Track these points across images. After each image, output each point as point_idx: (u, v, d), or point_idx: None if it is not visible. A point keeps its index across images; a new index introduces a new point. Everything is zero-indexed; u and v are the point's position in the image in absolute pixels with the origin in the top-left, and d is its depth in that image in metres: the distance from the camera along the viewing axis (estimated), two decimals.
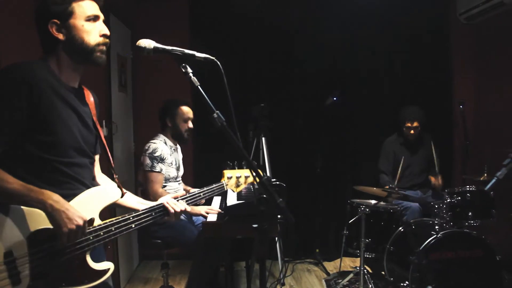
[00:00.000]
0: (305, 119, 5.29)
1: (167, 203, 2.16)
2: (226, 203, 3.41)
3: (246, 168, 2.69)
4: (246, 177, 2.73)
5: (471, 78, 5.61)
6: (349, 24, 5.20)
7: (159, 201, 2.18)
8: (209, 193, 2.48)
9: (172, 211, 2.16)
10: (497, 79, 5.20)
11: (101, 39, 1.89)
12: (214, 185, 2.56)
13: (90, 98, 2.04)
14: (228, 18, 5.16)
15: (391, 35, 5.32)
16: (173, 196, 2.26)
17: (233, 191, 2.71)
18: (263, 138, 4.46)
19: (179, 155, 3.93)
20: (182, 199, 2.25)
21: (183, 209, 2.20)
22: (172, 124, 3.76)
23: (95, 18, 1.89)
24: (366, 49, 5.30)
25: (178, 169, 3.81)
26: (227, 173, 2.67)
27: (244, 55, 5.18)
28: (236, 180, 2.69)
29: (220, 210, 3.47)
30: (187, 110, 3.77)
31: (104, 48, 1.91)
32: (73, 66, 1.90)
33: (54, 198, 1.70)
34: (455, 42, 5.59)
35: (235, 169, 2.77)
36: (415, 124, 4.78)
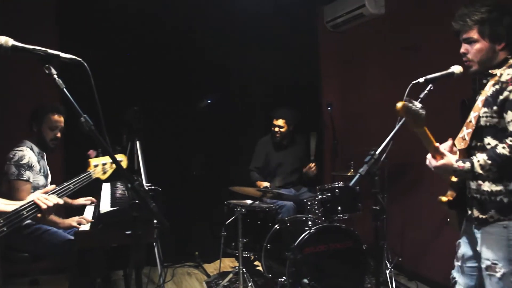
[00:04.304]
0: (180, 122, 5.25)
1: (38, 199, 2.01)
2: (99, 211, 3.27)
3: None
4: (111, 163, 2.76)
5: (337, 81, 6.00)
6: (223, 28, 5.26)
7: (29, 198, 2.03)
8: (78, 183, 2.41)
9: (45, 206, 2.00)
10: (358, 82, 5.61)
11: None
12: (81, 175, 2.50)
13: None
14: (100, 18, 4.90)
15: (265, 40, 5.46)
16: (43, 191, 2.12)
17: (101, 178, 2.70)
18: (138, 142, 4.34)
19: (46, 162, 3.70)
20: (52, 193, 2.11)
21: (55, 202, 2.06)
22: (37, 130, 3.52)
23: None
24: (241, 53, 5.40)
25: (46, 176, 3.59)
26: (93, 161, 2.68)
27: (118, 57, 4.99)
28: (102, 167, 2.71)
29: (91, 220, 3.32)
30: (56, 119, 3.53)
31: None
32: None
33: None
34: (323, 47, 5.95)
35: (99, 156, 2.81)
36: (280, 122, 4.99)
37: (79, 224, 3.33)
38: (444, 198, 2.37)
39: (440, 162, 2.13)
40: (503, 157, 2.00)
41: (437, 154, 2.15)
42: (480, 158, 2.06)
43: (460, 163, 2.09)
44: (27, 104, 4.55)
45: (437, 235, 4.22)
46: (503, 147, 2.01)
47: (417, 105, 2.03)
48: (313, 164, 4.99)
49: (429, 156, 2.21)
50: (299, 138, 5.26)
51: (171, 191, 4.89)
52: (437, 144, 2.15)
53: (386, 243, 4.42)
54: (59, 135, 3.58)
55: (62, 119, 3.58)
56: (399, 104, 2.00)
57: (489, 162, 2.03)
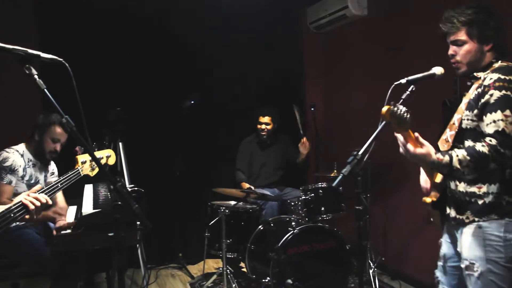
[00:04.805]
0: (163, 122, 5.22)
1: (25, 199, 1.93)
2: (81, 213, 3.23)
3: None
4: (100, 159, 2.72)
5: (320, 82, 6.02)
6: (207, 29, 5.24)
7: (16, 200, 1.94)
8: (67, 181, 2.34)
9: (33, 207, 1.90)
10: (341, 83, 5.64)
11: None
12: (70, 172, 2.43)
13: None
14: (81, 17, 4.83)
15: (249, 40, 5.47)
16: (30, 191, 2.03)
17: (90, 175, 2.63)
18: (120, 143, 4.31)
19: (44, 173, 3.60)
20: (40, 192, 2.05)
21: (44, 202, 1.97)
22: (38, 139, 3.43)
23: None
24: (225, 54, 5.39)
25: (31, 186, 3.49)
26: (81, 158, 2.60)
27: (100, 57, 4.92)
28: (90, 163, 2.63)
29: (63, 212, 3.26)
30: (60, 131, 3.44)
31: None
32: None
33: None
34: (306, 48, 5.97)
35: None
36: (267, 119, 5.01)
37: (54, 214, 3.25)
38: (428, 199, 2.39)
39: (420, 150, 2.09)
40: (482, 154, 2.02)
41: (418, 143, 2.13)
42: (459, 153, 2.07)
43: (439, 155, 2.09)
44: (19, 105, 4.51)
45: (420, 234, 4.26)
46: (483, 145, 2.03)
47: (402, 108, 2.05)
48: (305, 138, 4.99)
49: (404, 142, 2.13)
50: (282, 137, 5.28)
51: (154, 192, 4.89)
52: (417, 134, 2.13)
53: (369, 243, 4.45)
54: (58, 148, 3.49)
55: (66, 134, 3.48)
56: (384, 109, 2.01)
57: (468, 158, 2.04)
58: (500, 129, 2.02)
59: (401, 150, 2.17)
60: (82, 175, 2.55)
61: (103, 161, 2.81)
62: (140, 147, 5.01)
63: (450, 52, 2.28)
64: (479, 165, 2.05)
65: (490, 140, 2.03)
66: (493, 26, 2.20)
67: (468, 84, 2.30)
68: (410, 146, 2.12)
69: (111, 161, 2.85)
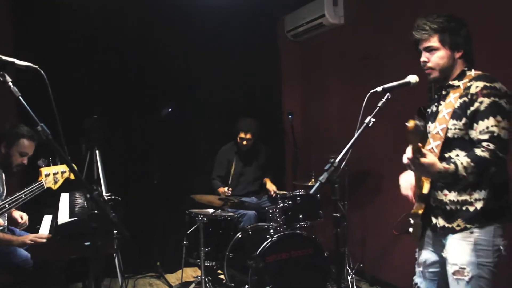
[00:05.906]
0: (140, 130, 5.19)
1: None
2: (57, 222, 3.18)
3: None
4: (63, 173, 2.74)
5: (298, 90, 6.06)
6: (185, 37, 5.25)
7: None
8: (30, 193, 2.39)
9: None
10: (319, 90, 5.68)
11: None
12: (33, 185, 2.47)
13: None
14: (58, 25, 4.79)
15: (226, 49, 5.48)
16: None
17: (53, 188, 2.65)
18: (97, 151, 4.26)
19: (3, 179, 3.54)
20: (3, 203, 2.03)
21: None
22: (5, 152, 3.28)
23: None
24: (202, 62, 5.38)
25: (2, 194, 3.43)
26: (44, 170, 2.64)
27: (77, 65, 4.87)
28: (54, 176, 2.68)
29: (48, 235, 3.16)
30: (28, 145, 3.31)
31: None
32: None
33: None
34: (284, 56, 6.01)
35: (50, 165, 2.77)
36: (248, 136, 4.97)
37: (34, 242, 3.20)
38: (420, 211, 2.37)
39: (426, 160, 2.02)
40: (484, 159, 2.06)
41: (419, 154, 2.04)
42: (463, 160, 2.08)
43: (445, 165, 2.08)
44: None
45: (397, 241, 4.30)
46: (482, 151, 2.07)
47: (422, 123, 2.07)
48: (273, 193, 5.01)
49: (409, 150, 2.09)
50: (261, 146, 5.28)
51: (132, 200, 4.83)
52: (420, 144, 2.06)
53: (347, 249, 4.48)
54: (25, 162, 3.36)
55: (33, 147, 3.37)
56: (412, 123, 1.93)
57: (472, 164, 2.07)
58: (495, 134, 2.08)
59: (405, 161, 2.14)
60: (45, 187, 2.54)
61: (65, 175, 2.79)
62: (117, 155, 4.96)
63: (423, 59, 2.33)
64: (483, 170, 2.09)
65: (488, 145, 2.08)
66: (463, 34, 2.27)
67: (443, 93, 2.34)
68: (418, 155, 2.05)
69: (66, 175, 2.88)
